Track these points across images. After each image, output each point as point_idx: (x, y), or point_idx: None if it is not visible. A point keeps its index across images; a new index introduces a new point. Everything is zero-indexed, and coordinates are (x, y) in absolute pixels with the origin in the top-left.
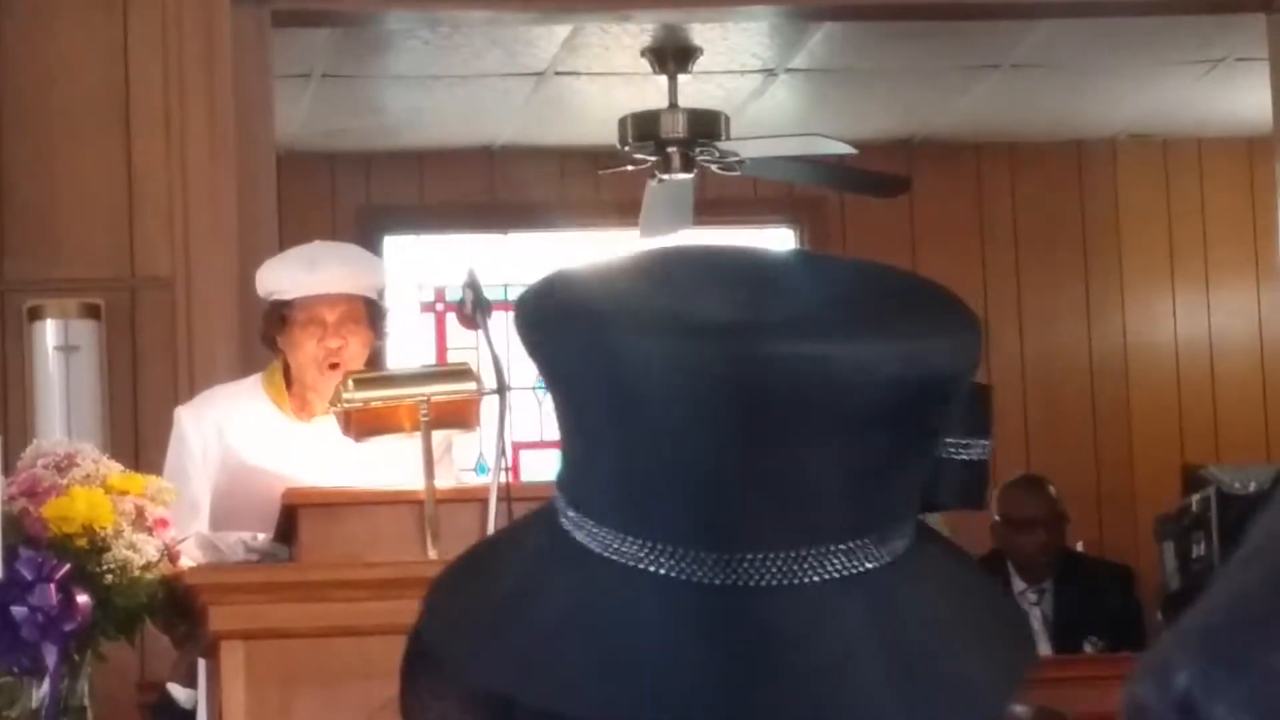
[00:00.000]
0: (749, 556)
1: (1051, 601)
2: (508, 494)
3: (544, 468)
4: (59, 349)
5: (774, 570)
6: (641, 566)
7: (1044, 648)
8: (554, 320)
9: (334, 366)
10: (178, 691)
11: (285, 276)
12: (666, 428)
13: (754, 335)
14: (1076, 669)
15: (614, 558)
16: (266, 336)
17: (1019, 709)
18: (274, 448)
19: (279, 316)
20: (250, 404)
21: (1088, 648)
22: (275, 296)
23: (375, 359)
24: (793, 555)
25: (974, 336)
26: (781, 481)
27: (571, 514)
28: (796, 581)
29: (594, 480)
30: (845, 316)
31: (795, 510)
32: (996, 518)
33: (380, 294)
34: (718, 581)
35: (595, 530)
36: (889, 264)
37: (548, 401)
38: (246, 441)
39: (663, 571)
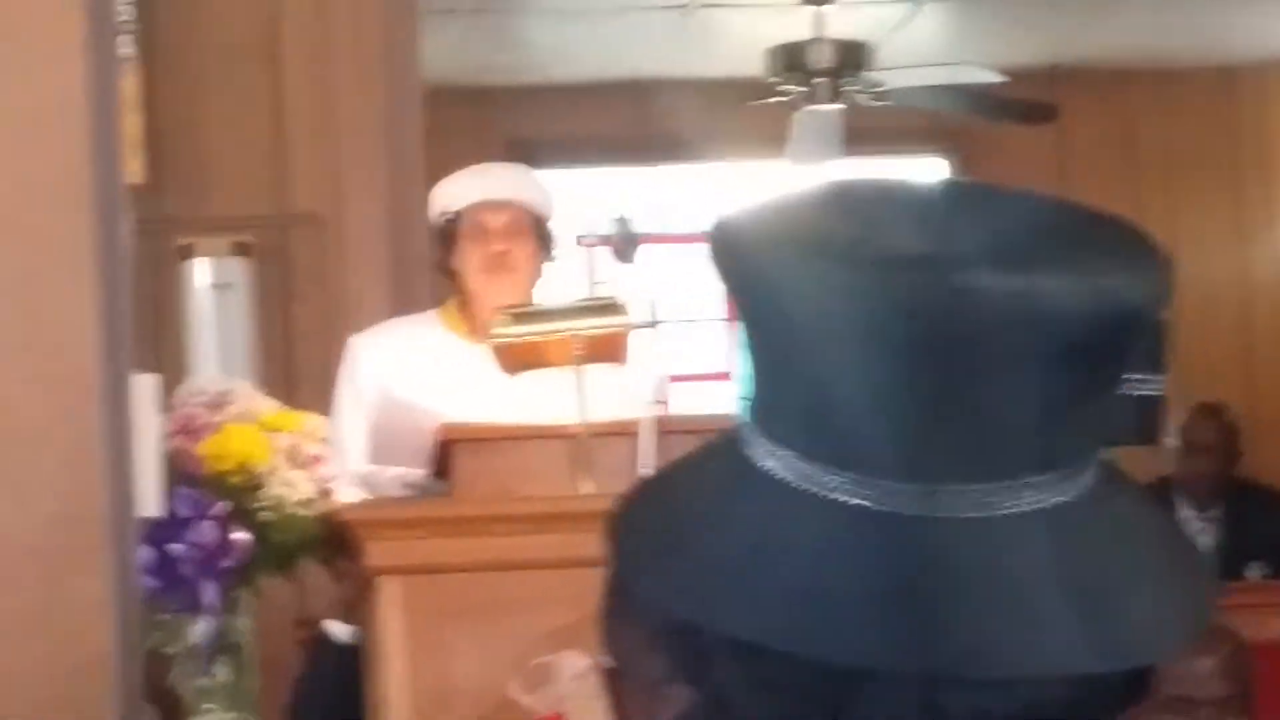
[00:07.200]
0: (944, 488)
1: (1219, 528)
2: (660, 428)
3: (696, 401)
4: (211, 287)
5: (968, 502)
6: (836, 497)
7: None
8: (745, 250)
9: (500, 270)
10: (335, 627)
11: (451, 188)
12: (862, 360)
13: (947, 267)
14: (1240, 595)
15: (807, 487)
16: (440, 263)
17: None
18: (449, 372)
19: (449, 235)
20: (426, 331)
21: (1254, 572)
22: (445, 211)
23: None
24: (985, 488)
25: (1165, 271)
26: (976, 414)
27: (763, 442)
28: (988, 514)
29: (787, 410)
30: (1036, 249)
31: (989, 443)
32: (1174, 443)
33: (547, 215)
34: (912, 513)
35: (788, 459)
36: (1067, 197)
37: (696, 335)
38: (420, 368)
39: (857, 502)
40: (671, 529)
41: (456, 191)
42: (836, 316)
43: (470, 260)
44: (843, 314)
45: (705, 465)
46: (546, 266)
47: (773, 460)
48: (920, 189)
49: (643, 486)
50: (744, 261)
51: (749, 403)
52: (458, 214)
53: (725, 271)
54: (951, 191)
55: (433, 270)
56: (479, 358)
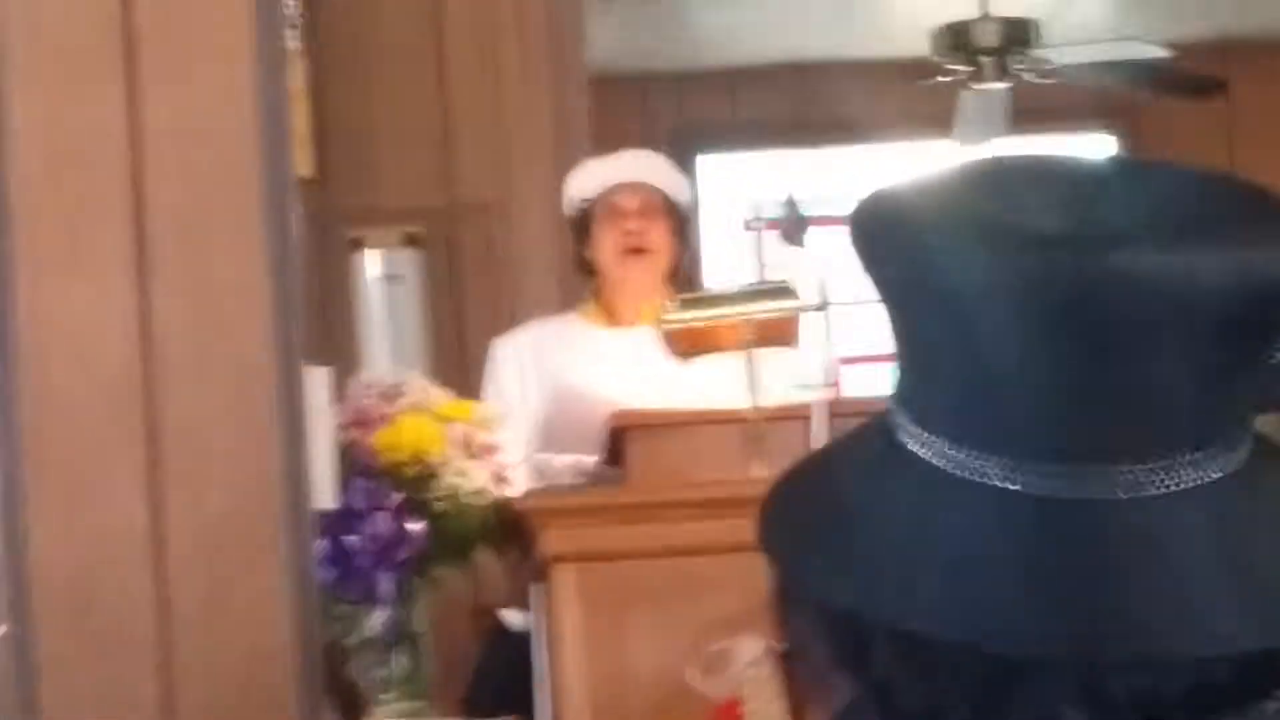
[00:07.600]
0: (1098, 470)
1: None
2: (831, 410)
3: (867, 383)
4: (382, 278)
5: (1123, 483)
6: (987, 481)
7: None
8: (885, 234)
9: (637, 251)
10: (511, 616)
11: (583, 176)
12: (1010, 343)
13: (1094, 246)
14: None
15: (958, 472)
16: (576, 256)
17: None
18: (589, 361)
19: (584, 223)
20: (565, 327)
21: None
22: (579, 201)
23: (686, 276)
24: (1140, 468)
25: None
26: (1127, 395)
27: (913, 428)
28: (1144, 494)
29: (935, 395)
30: (1185, 224)
31: (1141, 423)
32: None
33: (683, 203)
34: (1067, 496)
35: (938, 444)
36: (1215, 169)
37: (868, 316)
38: (564, 361)
39: (1010, 486)
40: (826, 517)
41: (589, 178)
42: (983, 299)
43: (605, 244)
44: (989, 296)
45: (857, 450)
46: (709, 256)
47: (922, 445)
48: (1072, 165)
49: (795, 472)
50: (890, 243)
51: (897, 386)
52: (592, 200)
53: (870, 253)
54: (1104, 167)
55: (573, 266)
56: (622, 344)
